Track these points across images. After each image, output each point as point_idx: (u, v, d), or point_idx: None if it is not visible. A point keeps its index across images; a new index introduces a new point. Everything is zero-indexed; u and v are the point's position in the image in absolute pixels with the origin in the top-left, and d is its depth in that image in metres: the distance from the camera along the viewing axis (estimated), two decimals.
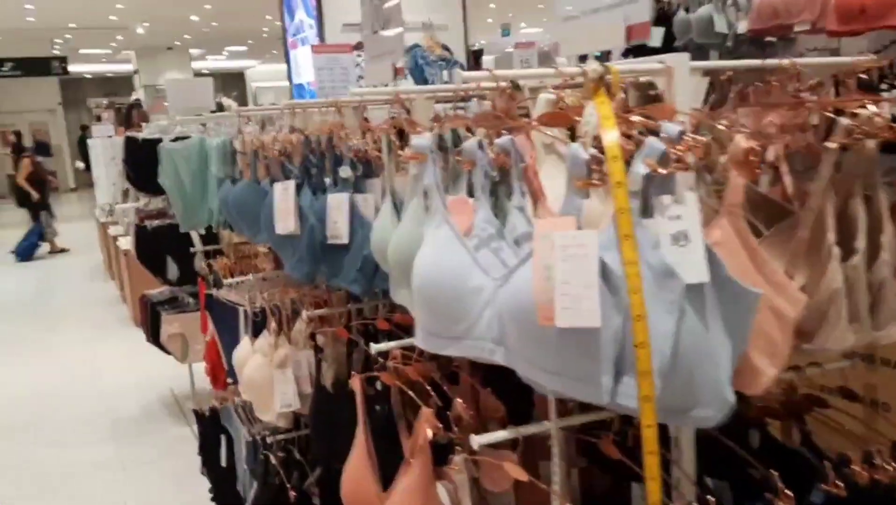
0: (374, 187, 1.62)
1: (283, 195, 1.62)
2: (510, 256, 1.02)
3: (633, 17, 1.10)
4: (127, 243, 6.61)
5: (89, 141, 10.30)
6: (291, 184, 1.64)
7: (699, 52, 3.33)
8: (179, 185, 3.07)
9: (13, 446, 4.30)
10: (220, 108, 8.13)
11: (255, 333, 2.22)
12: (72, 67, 17.77)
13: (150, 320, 4.41)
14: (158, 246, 4.13)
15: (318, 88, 4.69)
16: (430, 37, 6.93)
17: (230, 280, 2.57)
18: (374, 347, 1.37)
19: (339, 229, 1.57)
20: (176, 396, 4.85)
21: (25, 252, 10.90)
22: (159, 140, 4.12)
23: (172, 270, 4.15)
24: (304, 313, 1.88)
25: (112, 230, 7.66)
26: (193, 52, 21.27)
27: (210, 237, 4.20)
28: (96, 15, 14.04)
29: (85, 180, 23.54)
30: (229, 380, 2.70)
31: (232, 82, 25.58)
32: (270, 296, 2.25)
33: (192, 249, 4.03)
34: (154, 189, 4.23)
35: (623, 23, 1.12)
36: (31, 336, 6.60)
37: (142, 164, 4.12)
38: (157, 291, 4.67)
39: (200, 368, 4.68)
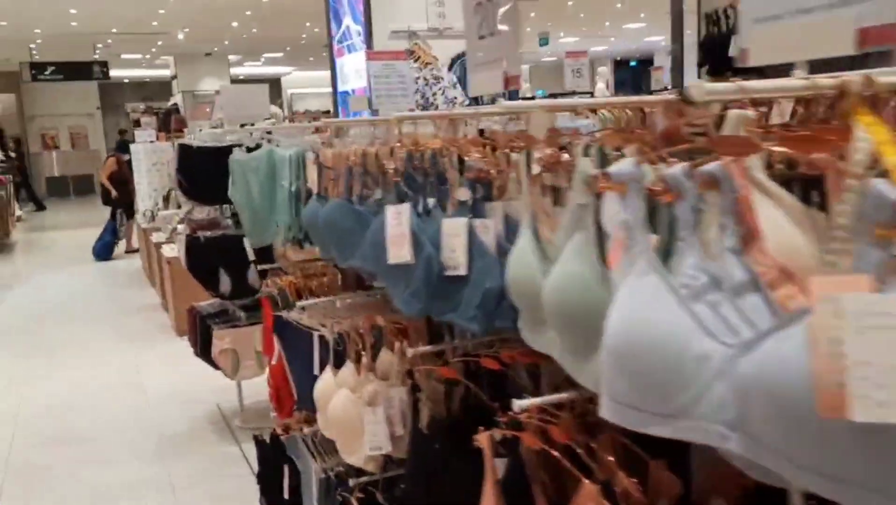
0: (494, 212, 1.42)
1: (397, 219, 1.44)
2: (731, 313, 0.82)
3: (868, 17, 0.89)
4: (171, 251, 6.50)
5: (131, 146, 10.27)
6: (406, 208, 1.46)
7: None
8: (249, 199, 2.91)
9: (61, 462, 4.16)
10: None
11: (336, 363, 2.04)
12: (111, 72, 17.89)
13: (199, 334, 4.26)
14: (212, 258, 3.99)
15: (374, 98, 4.53)
16: None
17: (305, 302, 2.39)
18: (517, 404, 1.18)
19: (456, 259, 1.38)
20: (223, 413, 4.69)
21: (102, 251, 10.88)
22: (215, 149, 3.98)
23: (225, 284, 3.99)
24: (408, 350, 1.69)
25: (154, 237, 7.57)
26: (231, 58, 21.35)
27: (263, 251, 4.05)
28: (138, 21, 14.08)
29: None
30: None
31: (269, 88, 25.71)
32: (352, 322, 2.07)
33: (256, 265, 3.87)
34: (208, 199, 4.10)
35: (853, 24, 0.91)
36: (74, 342, 6.50)
37: (195, 172, 3.98)
38: (207, 302, 4.52)
39: (249, 385, 4.55)
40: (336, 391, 1.93)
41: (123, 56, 19.01)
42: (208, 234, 4.00)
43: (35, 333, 6.85)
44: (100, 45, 16.95)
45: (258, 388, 4.50)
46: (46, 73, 16.17)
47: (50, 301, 8.17)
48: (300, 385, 2.42)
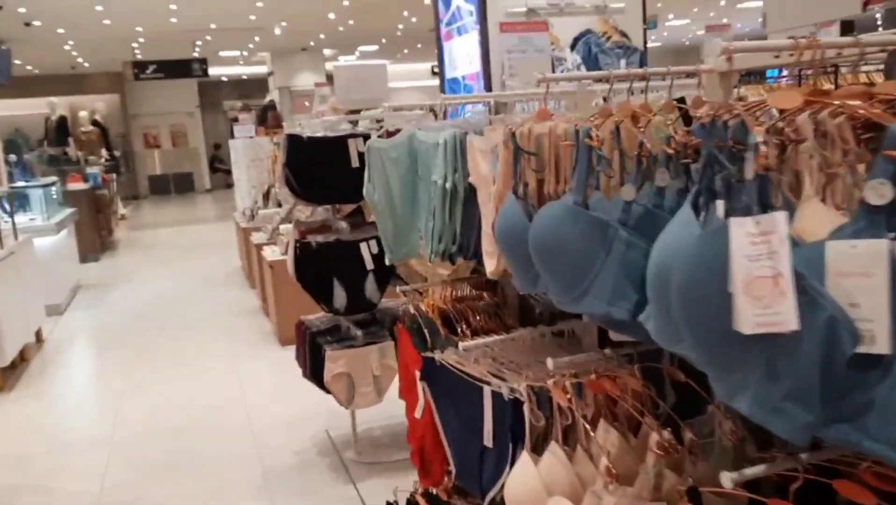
0: None
1: (759, 243, 0.75)
2: None
3: None
4: (273, 254, 6.01)
5: (230, 142, 9.95)
6: (780, 220, 0.77)
7: None
8: (390, 200, 2.28)
9: (171, 490, 3.69)
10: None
11: (514, 429, 1.38)
12: (210, 70, 17.89)
13: (309, 354, 3.70)
14: (325, 267, 3.41)
15: (506, 75, 3.86)
16: (605, 20, 5.97)
17: (469, 343, 1.74)
18: None
19: (868, 322, 0.69)
20: (333, 441, 4.13)
21: None
22: (330, 140, 3.40)
23: (340, 297, 3.41)
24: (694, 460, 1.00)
25: (255, 237, 7.13)
26: (326, 52, 21.13)
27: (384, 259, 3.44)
28: (236, 15, 13.88)
29: (221, 182, 24.01)
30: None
31: None
32: (552, 378, 1.39)
33: (375, 274, 3.27)
34: (320, 197, 3.53)
35: None
36: (174, 350, 6.11)
37: (307, 167, 3.41)
38: (316, 316, 3.96)
39: (364, 414, 3.96)
40: (542, 492, 1.26)
41: (221, 53, 19.02)
42: (320, 239, 3.42)
43: (134, 339, 6.52)
44: (199, 43, 16.93)
45: (372, 412, 3.92)
46: (148, 71, 16.24)
47: (150, 303, 7.89)
48: (461, 453, 1.78)
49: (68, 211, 8.89)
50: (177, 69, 16.80)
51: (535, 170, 1.34)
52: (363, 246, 3.41)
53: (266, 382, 5.21)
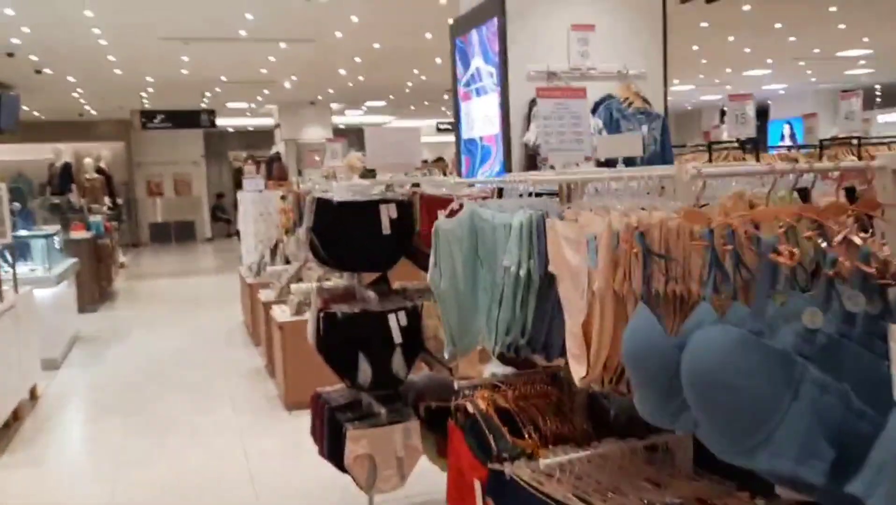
0: None
1: None
2: None
3: None
4: (282, 314, 5.78)
5: (239, 194, 9.81)
6: None
7: None
8: (455, 285, 2.06)
9: None
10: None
11: None
12: (217, 121, 17.91)
13: (327, 431, 3.45)
14: (350, 340, 3.18)
15: (542, 144, 3.69)
16: (626, 86, 5.88)
17: (552, 460, 1.51)
18: None
19: None
20: None
21: None
22: (361, 204, 3.21)
23: (365, 372, 3.17)
24: None
25: (263, 295, 6.91)
26: (334, 106, 21.22)
27: (410, 331, 3.23)
28: (248, 68, 13.90)
29: (222, 231, 23.86)
30: None
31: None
32: None
33: (403, 349, 3.05)
34: (347, 265, 3.32)
35: None
36: (175, 416, 5.82)
37: (335, 233, 3.21)
38: (334, 389, 3.72)
39: (387, 499, 3.69)
40: None
41: (229, 105, 19.08)
42: (346, 309, 3.20)
43: (133, 402, 6.22)
44: (208, 94, 16.97)
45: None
46: (156, 120, 16.24)
47: (149, 361, 7.60)
48: None
49: (70, 262, 8.68)
50: (185, 119, 16.82)
51: (668, 275, 1.14)
52: (391, 318, 3.20)
53: (273, 453, 4.92)
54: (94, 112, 19.46)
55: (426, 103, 21.84)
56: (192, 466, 4.77)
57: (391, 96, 19.90)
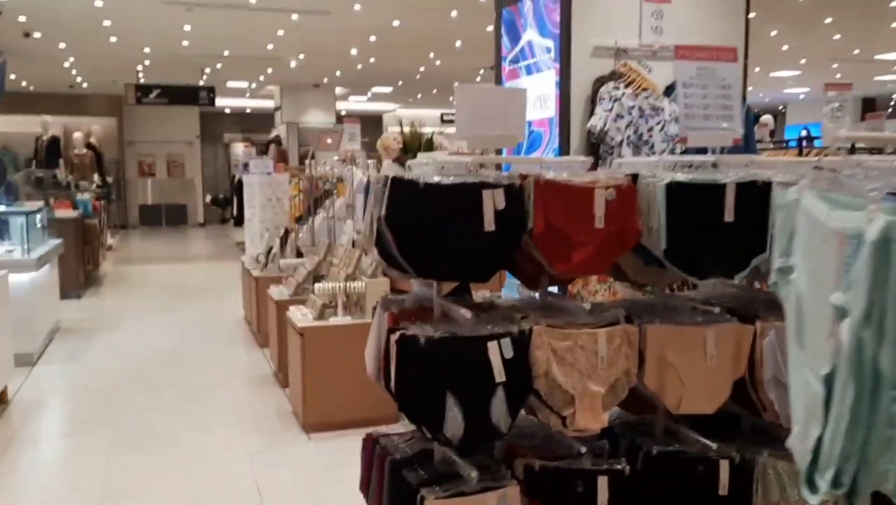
0: None
1: None
2: None
3: None
4: (303, 317, 4.89)
5: (245, 177, 8.89)
6: None
7: None
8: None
9: None
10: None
11: None
12: (215, 101, 16.93)
13: (390, 494, 2.56)
14: (437, 376, 2.29)
15: (681, 118, 2.82)
16: None
17: None
18: None
19: None
20: None
21: None
22: (456, 189, 2.33)
23: (454, 423, 2.29)
24: None
25: (275, 292, 6.00)
26: (338, 90, 20.28)
27: (516, 364, 2.35)
28: (254, 43, 12.95)
29: (215, 216, 22.86)
30: None
31: (370, 125, 24.46)
32: None
33: (507, 389, 2.17)
34: (433, 272, 2.43)
35: None
36: (169, 432, 4.93)
37: (418, 227, 2.33)
38: (396, 429, 2.83)
39: None
40: None
41: (229, 83, 18.10)
42: (430, 332, 2.32)
43: (120, 413, 5.31)
44: (207, 70, 15.99)
45: None
46: (152, 95, 15.24)
47: (139, 360, 6.68)
48: None
49: (53, 243, 7.74)
50: (182, 95, 15.84)
51: None
52: (492, 347, 2.32)
53: (291, 489, 4.04)
54: (85, 85, 18.43)
55: (434, 92, 20.94)
56: (191, 500, 3.88)
57: (400, 82, 18.97)
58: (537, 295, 2.80)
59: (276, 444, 4.63)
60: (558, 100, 5.30)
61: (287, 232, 7.44)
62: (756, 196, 2.51)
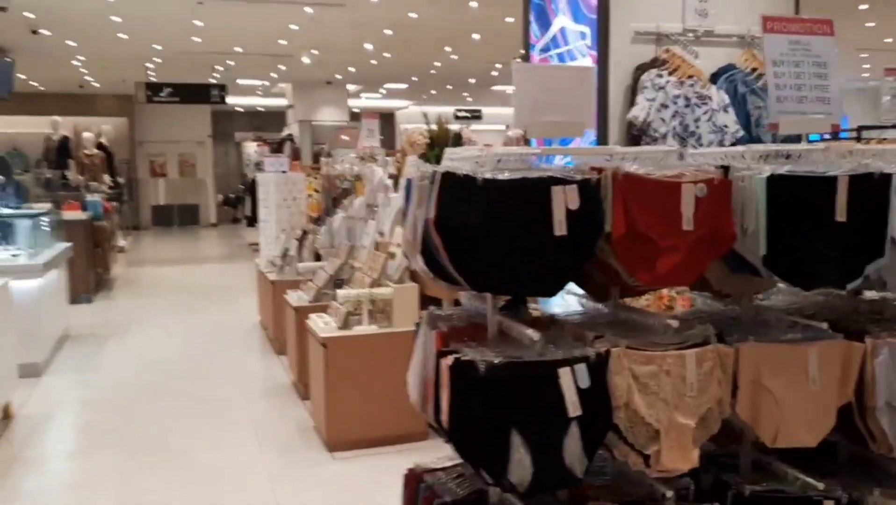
0: None
1: None
2: None
3: None
4: (325, 326, 4.53)
5: (259, 176, 8.55)
6: None
7: None
8: None
9: None
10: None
11: None
12: (227, 99, 16.60)
13: None
14: (500, 409, 1.92)
15: (771, 102, 2.44)
16: (752, 53, 4.63)
17: None
18: None
19: None
20: None
21: None
22: (521, 185, 1.96)
23: (521, 465, 1.91)
24: None
25: (293, 298, 5.64)
26: (350, 88, 19.93)
27: (592, 394, 1.98)
28: (266, 38, 12.61)
29: (227, 216, 22.57)
30: None
31: (383, 123, 24.07)
32: None
33: (582, 425, 1.80)
34: (490, 283, 2.06)
35: None
36: (184, 451, 4.59)
37: (476, 231, 1.96)
38: (441, 466, 2.46)
39: None
40: None
41: (239, 81, 17.78)
42: (490, 356, 1.94)
43: (131, 429, 4.98)
44: (219, 67, 15.68)
45: None
46: (163, 94, 14.94)
47: (151, 371, 6.34)
48: None
49: (61, 247, 7.42)
50: (193, 94, 15.53)
51: None
52: (564, 374, 1.95)
53: None
54: (95, 84, 18.17)
55: (449, 87, 20.56)
56: None
57: (414, 78, 18.60)
58: (603, 307, 2.42)
59: (298, 464, 4.28)
60: (596, 90, 4.88)
61: (304, 233, 7.08)
62: (872, 191, 2.12)
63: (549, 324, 2.33)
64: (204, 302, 9.59)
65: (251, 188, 15.13)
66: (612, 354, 2.02)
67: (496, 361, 1.94)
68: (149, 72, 15.82)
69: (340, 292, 4.54)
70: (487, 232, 1.96)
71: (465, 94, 22.17)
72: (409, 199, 2.25)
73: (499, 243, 1.96)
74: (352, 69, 16.65)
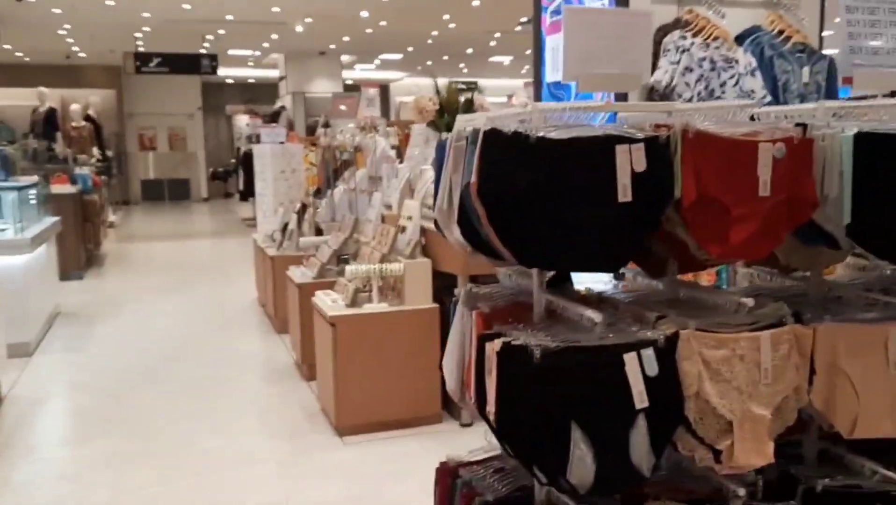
0: None
1: None
2: None
3: None
4: (333, 304, 4.28)
5: (256, 148, 8.24)
6: None
7: None
8: None
9: None
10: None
11: None
12: (217, 70, 16.18)
13: None
14: (558, 400, 1.68)
15: (847, 49, 2.18)
16: (778, 15, 4.33)
17: None
18: None
19: None
20: None
21: None
22: (580, 144, 1.70)
23: (582, 463, 1.68)
24: None
25: (296, 274, 5.38)
26: (344, 58, 19.50)
27: (663, 382, 1.74)
28: (258, 6, 12.21)
29: (219, 191, 22.21)
30: None
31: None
32: None
33: (651, 418, 1.56)
34: (543, 258, 1.81)
35: None
36: (184, 436, 4.36)
37: (527, 198, 1.70)
38: (476, 458, 2.23)
39: None
40: None
41: (231, 52, 17.33)
42: (544, 340, 1.70)
43: (127, 414, 4.73)
44: (209, 37, 15.25)
45: None
46: (152, 64, 14.51)
47: (147, 351, 6.08)
48: None
49: (50, 221, 7.12)
50: (184, 64, 15.11)
51: None
52: (630, 360, 1.70)
53: (326, 500, 3.46)
54: (82, 55, 17.69)
55: (445, 58, 20.14)
56: None
57: (410, 48, 18.20)
58: (658, 284, 2.18)
59: (307, 450, 4.04)
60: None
61: (304, 206, 6.81)
62: None
63: (597, 302, 2.09)
64: (197, 279, 9.31)
65: (244, 161, 14.80)
66: (680, 336, 1.78)
67: (552, 345, 1.69)
68: (137, 42, 15.38)
69: (349, 268, 4.28)
70: (540, 198, 1.70)
71: (462, 65, 21.77)
72: (444, 163, 2.00)
73: (554, 212, 1.71)
74: (346, 38, 16.25)
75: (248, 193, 14.88)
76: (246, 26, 14.08)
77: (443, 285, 4.25)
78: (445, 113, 4.91)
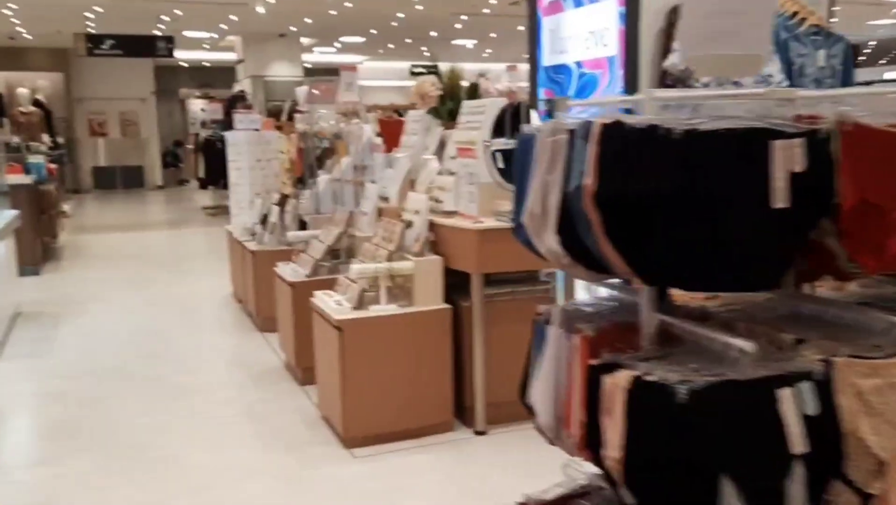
0: None
1: None
2: None
3: None
4: (338, 308, 3.94)
5: (228, 135, 7.77)
6: None
7: None
8: None
9: None
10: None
11: None
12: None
13: None
14: (705, 446, 1.40)
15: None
16: None
17: None
18: None
19: None
20: None
21: None
22: (727, 137, 1.41)
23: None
24: None
25: (287, 272, 5.02)
26: (304, 41, 18.92)
27: (826, 429, 1.46)
28: None
29: (174, 178, 21.47)
30: None
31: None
32: None
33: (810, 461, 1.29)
34: (679, 277, 1.52)
35: None
36: (169, 447, 3.99)
37: (659, 205, 1.41)
38: (549, 495, 1.93)
39: None
40: None
41: (186, 33, 16.63)
42: (691, 376, 1.39)
43: (105, 429, 4.33)
44: (164, 18, 14.57)
45: None
46: (104, 46, 13.83)
47: (119, 352, 5.66)
48: None
49: (9, 215, 6.59)
50: (138, 46, 14.45)
51: None
52: (786, 398, 1.43)
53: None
54: (28, 36, 16.80)
55: (408, 41, 19.69)
56: None
57: (373, 31, 17.71)
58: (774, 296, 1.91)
59: (313, 464, 3.71)
60: (623, 35, 4.30)
61: (285, 197, 6.41)
62: None
63: (701, 319, 1.81)
64: (163, 272, 8.83)
65: (204, 148, 14.21)
66: (835, 365, 1.51)
67: (697, 382, 1.40)
68: (87, 22, 14.62)
69: (355, 267, 3.95)
70: (680, 204, 1.41)
71: (424, 48, 21.32)
72: (530, 162, 1.69)
73: (694, 220, 1.42)
74: (308, 20, 15.71)
75: (209, 182, 14.33)
76: (203, 7, 13.49)
77: (451, 284, 3.97)
78: (449, 99, 4.58)
